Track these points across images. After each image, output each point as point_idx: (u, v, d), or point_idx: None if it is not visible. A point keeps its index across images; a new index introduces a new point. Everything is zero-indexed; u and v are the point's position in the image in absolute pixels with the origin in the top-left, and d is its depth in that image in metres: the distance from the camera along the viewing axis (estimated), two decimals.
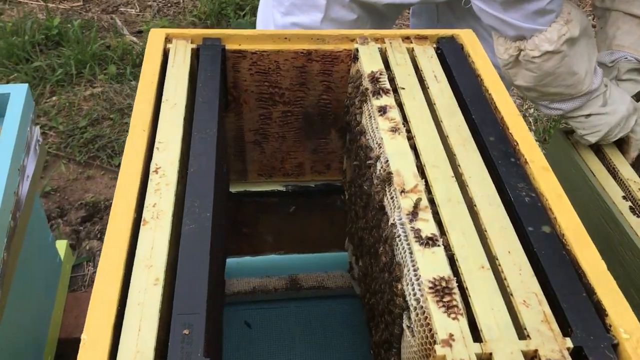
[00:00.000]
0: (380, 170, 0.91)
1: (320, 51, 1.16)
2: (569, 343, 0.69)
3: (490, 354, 0.67)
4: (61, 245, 1.66)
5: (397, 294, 0.78)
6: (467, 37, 1.16)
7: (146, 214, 0.80)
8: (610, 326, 0.71)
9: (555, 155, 1.67)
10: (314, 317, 1.42)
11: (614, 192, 1.48)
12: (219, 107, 0.99)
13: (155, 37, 1.11)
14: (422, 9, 1.81)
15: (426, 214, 0.82)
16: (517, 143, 0.94)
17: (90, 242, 2.19)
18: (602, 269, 0.76)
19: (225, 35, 1.13)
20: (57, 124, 2.63)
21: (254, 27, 3.20)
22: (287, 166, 1.33)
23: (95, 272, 2.07)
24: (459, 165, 0.91)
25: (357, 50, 1.13)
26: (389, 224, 0.84)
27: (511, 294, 0.74)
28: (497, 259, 0.78)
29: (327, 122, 1.26)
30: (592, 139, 1.52)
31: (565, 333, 0.70)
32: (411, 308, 0.75)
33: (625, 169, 1.54)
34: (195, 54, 1.10)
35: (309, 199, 1.39)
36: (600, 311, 0.72)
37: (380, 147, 0.94)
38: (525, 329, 0.70)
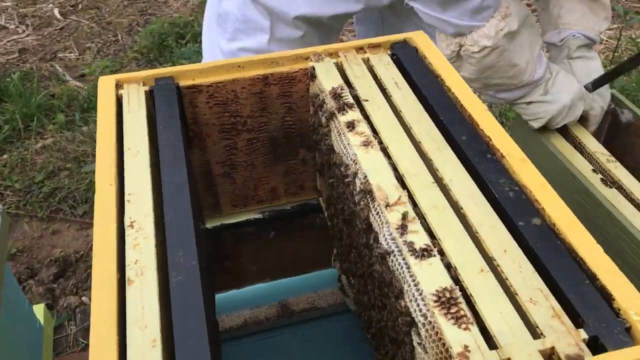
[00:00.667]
0: (360, 186, 0.89)
1: (277, 74, 1.13)
2: (583, 334, 0.68)
3: (509, 359, 0.66)
4: (39, 310, 1.60)
5: (402, 312, 0.76)
6: (419, 39, 1.16)
7: (130, 273, 0.76)
8: (619, 310, 0.70)
9: (519, 138, 1.68)
10: (311, 339, 1.39)
11: (583, 167, 1.49)
12: (184, 148, 0.96)
13: (105, 85, 1.07)
14: (366, 15, 1.81)
15: (415, 225, 0.81)
16: (490, 138, 0.94)
17: (67, 299, 2.12)
18: (599, 253, 0.76)
19: (177, 73, 1.10)
20: (12, 182, 2.54)
21: (199, 55, 3.17)
22: (260, 193, 1.30)
23: (77, 330, 2.00)
24: (437, 170, 0.90)
25: (313, 68, 1.11)
26: (380, 241, 0.83)
27: (516, 294, 0.73)
28: (494, 260, 0.77)
29: (294, 143, 1.24)
30: (535, 125, 1.55)
31: (578, 324, 0.69)
32: (419, 325, 0.73)
33: (591, 143, 1.56)
34: (150, 96, 1.07)
35: (287, 222, 1.36)
36: (606, 297, 0.72)
37: (356, 163, 0.92)
38: (538, 327, 0.69)
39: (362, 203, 0.88)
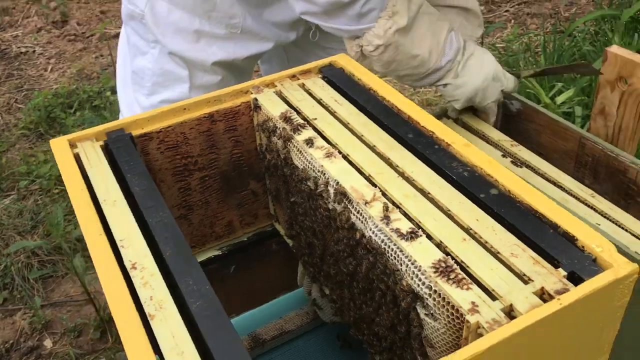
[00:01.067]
0: (334, 193, 0.97)
1: (221, 110, 1.20)
2: (562, 272, 0.80)
3: (511, 305, 0.76)
4: None
5: (404, 291, 0.84)
6: (344, 61, 1.27)
7: (149, 309, 0.79)
8: (583, 247, 0.83)
9: None
10: None
11: (494, 154, 1.67)
12: (158, 190, 1.00)
13: (59, 147, 1.08)
14: (272, 53, 1.91)
15: (396, 214, 0.90)
16: (433, 132, 1.06)
17: None
18: (553, 206, 0.89)
19: (126, 124, 1.14)
20: None
21: (94, 119, 3.12)
22: (217, 229, 1.34)
23: None
24: (397, 166, 1.00)
25: (255, 100, 1.19)
26: (367, 235, 0.91)
27: (498, 252, 0.84)
28: (471, 229, 0.88)
29: (244, 175, 1.30)
30: (456, 105, 1.66)
31: (555, 266, 0.81)
32: (425, 296, 0.81)
33: (493, 132, 1.74)
34: (106, 150, 1.09)
35: (245, 254, 1.41)
36: (570, 239, 0.84)
37: (325, 174, 1.00)
38: (524, 274, 0.80)
39: (340, 207, 0.96)
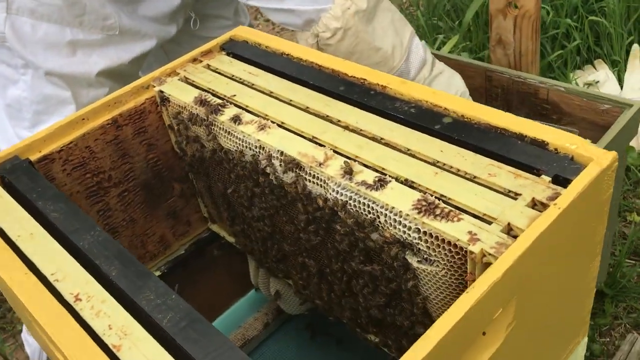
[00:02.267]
0: (280, 164, 0.87)
1: (125, 113, 1.06)
2: (546, 179, 0.75)
3: (509, 223, 0.70)
4: None
5: (389, 243, 0.76)
6: (244, 32, 1.17)
7: (111, 340, 0.66)
8: (556, 149, 0.79)
9: None
10: None
11: None
12: (79, 207, 0.86)
13: None
14: (152, 59, 1.76)
15: (357, 167, 0.82)
16: (365, 79, 0.98)
17: None
18: (511, 118, 0.84)
19: (20, 150, 0.98)
20: None
21: None
22: (150, 248, 1.20)
23: None
24: (339, 121, 0.92)
25: (161, 92, 1.06)
26: (330, 199, 0.82)
27: (474, 177, 0.78)
28: (438, 162, 0.81)
29: (166, 180, 1.17)
30: None
31: (537, 174, 0.76)
32: (414, 242, 0.74)
33: None
34: (3, 183, 0.93)
35: (187, 268, 1.27)
36: (540, 144, 0.80)
37: (264, 148, 0.90)
38: (510, 191, 0.74)
39: (290, 178, 0.87)
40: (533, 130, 0.81)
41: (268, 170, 0.90)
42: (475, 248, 0.68)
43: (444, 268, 0.73)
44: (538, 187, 0.74)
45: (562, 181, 0.75)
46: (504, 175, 0.77)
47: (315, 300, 1.03)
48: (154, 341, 0.65)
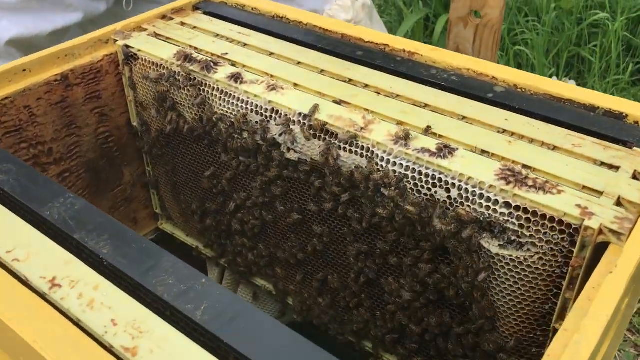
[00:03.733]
0: (307, 130, 0.70)
1: (78, 69, 0.84)
2: (638, 150, 0.63)
3: (619, 197, 0.57)
4: None
5: (463, 221, 0.60)
6: None
7: (121, 341, 0.44)
8: (636, 122, 0.68)
9: None
10: None
11: None
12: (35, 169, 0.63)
13: None
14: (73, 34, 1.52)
15: (413, 132, 0.66)
16: (386, 44, 0.84)
17: None
18: (573, 88, 0.73)
19: None
20: None
21: None
22: None
23: None
24: (368, 85, 0.76)
25: (126, 47, 0.85)
26: (383, 169, 0.65)
27: (555, 147, 0.65)
28: (506, 130, 0.67)
29: (115, 162, 0.94)
30: None
31: (628, 146, 0.64)
32: (499, 221, 0.59)
33: None
34: None
35: None
36: (618, 117, 0.69)
37: (278, 111, 0.72)
38: (603, 162, 0.62)
39: (318, 148, 0.69)
40: (607, 102, 0.70)
41: (281, 139, 0.72)
42: (592, 223, 0.54)
43: (536, 253, 0.58)
44: (632, 159, 0.62)
45: None
46: (590, 146, 0.64)
47: (314, 313, 0.85)
48: (187, 340, 0.44)
